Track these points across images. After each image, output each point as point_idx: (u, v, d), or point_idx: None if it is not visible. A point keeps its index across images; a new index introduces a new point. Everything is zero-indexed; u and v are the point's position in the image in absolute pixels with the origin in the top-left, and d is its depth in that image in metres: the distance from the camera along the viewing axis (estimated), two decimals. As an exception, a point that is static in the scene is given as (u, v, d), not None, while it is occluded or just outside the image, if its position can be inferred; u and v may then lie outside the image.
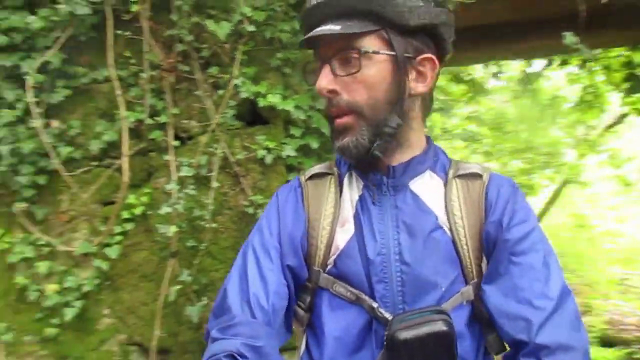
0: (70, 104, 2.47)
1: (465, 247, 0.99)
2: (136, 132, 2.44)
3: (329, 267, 1.04)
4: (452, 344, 0.91)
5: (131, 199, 2.41)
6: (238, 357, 0.92)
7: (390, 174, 1.03)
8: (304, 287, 1.08)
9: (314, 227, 1.05)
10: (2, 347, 2.47)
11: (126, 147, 2.38)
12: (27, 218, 2.47)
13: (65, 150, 2.41)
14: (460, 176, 1.05)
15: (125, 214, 2.42)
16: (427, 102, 1.07)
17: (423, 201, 1.02)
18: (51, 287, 2.44)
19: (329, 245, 1.03)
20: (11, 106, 2.39)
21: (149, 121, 2.39)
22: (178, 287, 2.28)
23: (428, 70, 1.00)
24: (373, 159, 1.00)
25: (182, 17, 2.31)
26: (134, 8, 2.31)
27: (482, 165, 1.10)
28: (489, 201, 1.02)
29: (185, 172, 2.28)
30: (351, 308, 1.01)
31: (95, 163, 2.46)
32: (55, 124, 2.45)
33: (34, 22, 2.33)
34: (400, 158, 1.04)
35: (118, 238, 2.44)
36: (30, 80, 2.34)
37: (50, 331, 2.45)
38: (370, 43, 0.95)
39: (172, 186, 2.28)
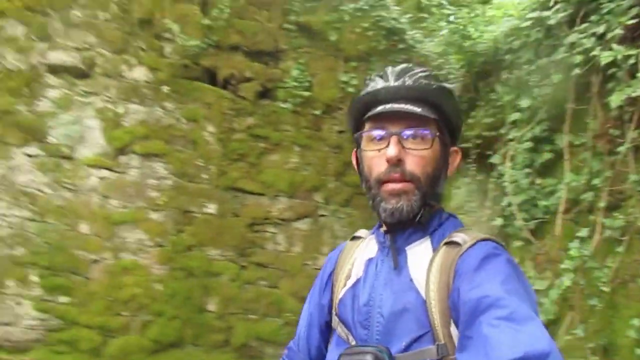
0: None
1: (434, 309, 1.05)
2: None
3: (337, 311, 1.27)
4: None
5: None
6: None
7: (393, 238, 1.18)
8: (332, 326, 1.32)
9: (336, 279, 1.30)
10: None
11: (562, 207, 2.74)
12: None
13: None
14: (447, 243, 1.11)
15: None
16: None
17: (408, 265, 1.14)
18: None
19: (338, 295, 1.26)
20: None
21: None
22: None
23: (456, 159, 1.23)
24: (418, 223, 1.15)
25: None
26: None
27: (479, 235, 1.11)
28: (457, 268, 1.06)
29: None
30: (345, 345, 1.19)
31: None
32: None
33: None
34: (412, 225, 1.17)
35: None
36: None
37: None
38: (433, 128, 1.14)
39: (575, 244, 2.49)
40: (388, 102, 1.13)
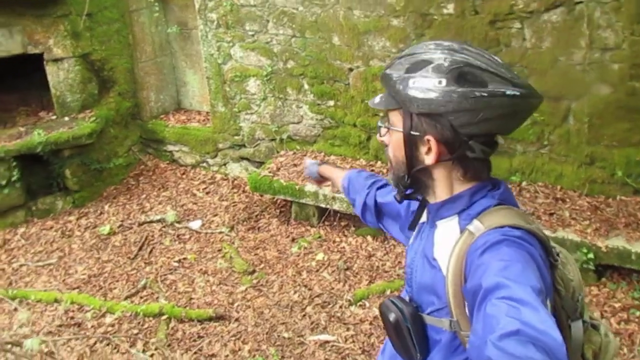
0: None
1: (450, 291, 1.10)
2: None
3: None
4: (404, 332, 1.21)
5: None
6: None
7: (429, 211, 1.26)
8: None
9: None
10: None
11: None
12: None
13: None
14: (469, 230, 1.11)
15: None
16: (457, 167, 1.16)
17: (434, 241, 1.20)
18: None
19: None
20: None
21: None
22: None
23: (432, 147, 1.14)
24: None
25: None
26: None
27: (498, 221, 1.08)
28: (466, 259, 1.08)
29: None
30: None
31: None
32: None
33: None
34: (432, 201, 1.23)
35: None
36: None
37: None
38: (394, 117, 1.19)
39: None
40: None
